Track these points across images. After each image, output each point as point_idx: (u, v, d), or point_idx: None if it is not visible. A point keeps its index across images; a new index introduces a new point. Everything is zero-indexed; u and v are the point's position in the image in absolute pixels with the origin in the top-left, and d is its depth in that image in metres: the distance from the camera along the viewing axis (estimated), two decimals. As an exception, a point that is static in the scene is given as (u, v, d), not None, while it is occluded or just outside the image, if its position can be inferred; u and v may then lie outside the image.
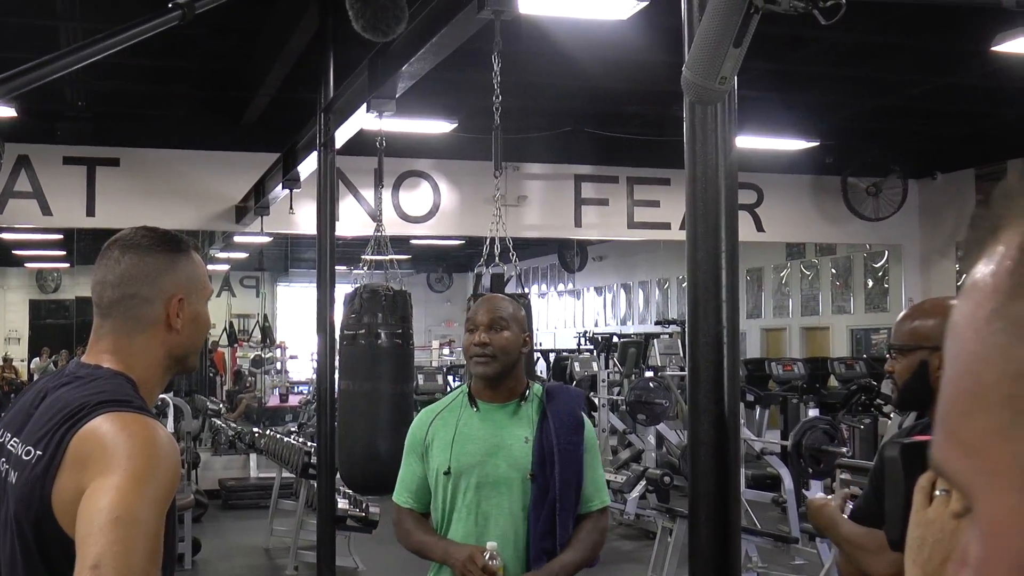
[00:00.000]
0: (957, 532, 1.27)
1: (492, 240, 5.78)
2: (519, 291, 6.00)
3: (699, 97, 2.68)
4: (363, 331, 7.16)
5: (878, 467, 2.82)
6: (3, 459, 2.06)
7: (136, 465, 1.86)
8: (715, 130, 3.43)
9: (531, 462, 3.44)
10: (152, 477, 1.87)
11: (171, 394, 14.69)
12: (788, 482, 9.38)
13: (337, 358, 7.94)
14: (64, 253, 21.10)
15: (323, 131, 8.85)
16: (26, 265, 25.44)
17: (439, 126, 11.29)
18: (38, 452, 1.95)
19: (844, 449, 8.47)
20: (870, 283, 17.16)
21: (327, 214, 9.24)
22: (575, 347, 21.14)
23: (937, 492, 1.36)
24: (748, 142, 11.97)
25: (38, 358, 24.62)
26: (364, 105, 7.50)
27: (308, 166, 9.86)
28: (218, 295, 24.76)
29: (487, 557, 3.28)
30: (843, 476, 8.11)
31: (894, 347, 2.86)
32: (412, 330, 7.53)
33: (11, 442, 2.06)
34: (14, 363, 24.30)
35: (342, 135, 8.64)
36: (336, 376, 9.28)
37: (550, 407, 3.52)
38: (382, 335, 7.12)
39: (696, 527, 3.74)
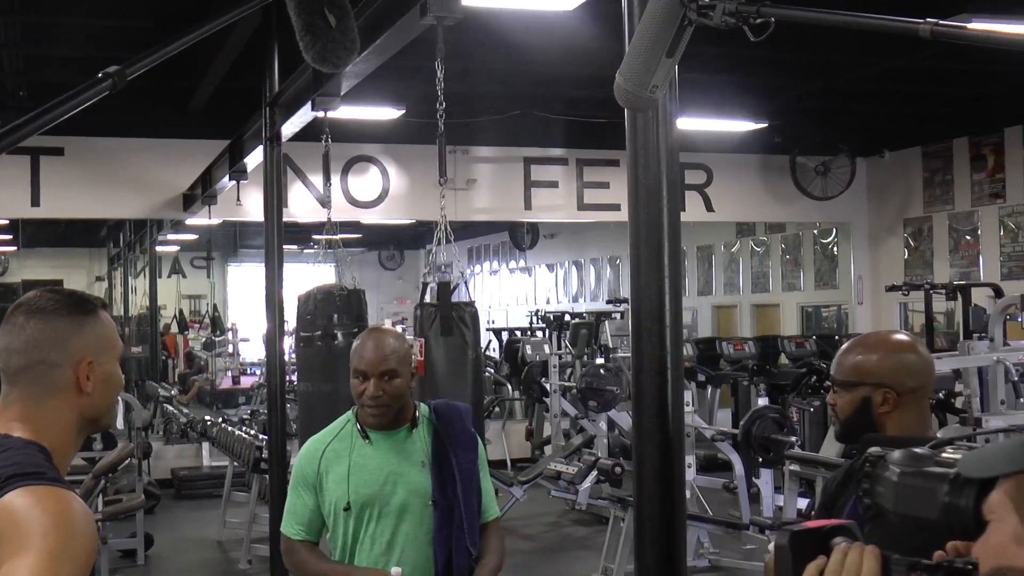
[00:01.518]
0: None
1: (436, 245, 5.74)
2: (467, 299, 5.97)
3: (630, 104, 2.69)
4: (319, 332, 7.13)
5: (829, 488, 2.83)
6: None
7: (51, 544, 1.82)
8: (655, 113, 3.42)
9: (431, 487, 3.42)
10: (67, 555, 1.84)
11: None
12: (739, 468, 9.46)
13: (293, 358, 7.92)
14: (11, 237, 20.82)
15: (268, 125, 8.78)
16: (-29, 247, 25.09)
17: (387, 112, 11.22)
18: None
19: (793, 438, 8.53)
20: (820, 260, 17.26)
21: (274, 205, 9.18)
22: (527, 325, 21.19)
23: None
24: (697, 124, 11.99)
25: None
26: (309, 103, 7.46)
27: (255, 158, 9.78)
28: (168, 276, 24.55)
29: None
30: (792, 467, 8.21)
31: (836, 382, 2.85)
32: (368, 328, 7.50)
33: None
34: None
35: (288, 130, 8.58)
36: (290, 374, 9.28)
37: (443, 428, 3.51)
38: (338, 336, 7.10)
39: (641, 515, 3.76)
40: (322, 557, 3.50)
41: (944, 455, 1.49)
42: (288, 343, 9.79)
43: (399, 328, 25.72)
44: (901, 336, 2.93)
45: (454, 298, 5.73)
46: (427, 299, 5.70)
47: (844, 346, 2.93)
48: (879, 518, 1.57)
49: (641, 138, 3.45)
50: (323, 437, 3.58)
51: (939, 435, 7.38)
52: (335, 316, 7.12)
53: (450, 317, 5.58)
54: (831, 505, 2.70)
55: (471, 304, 5.77)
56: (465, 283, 6.23)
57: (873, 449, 1.59)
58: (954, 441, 1.58)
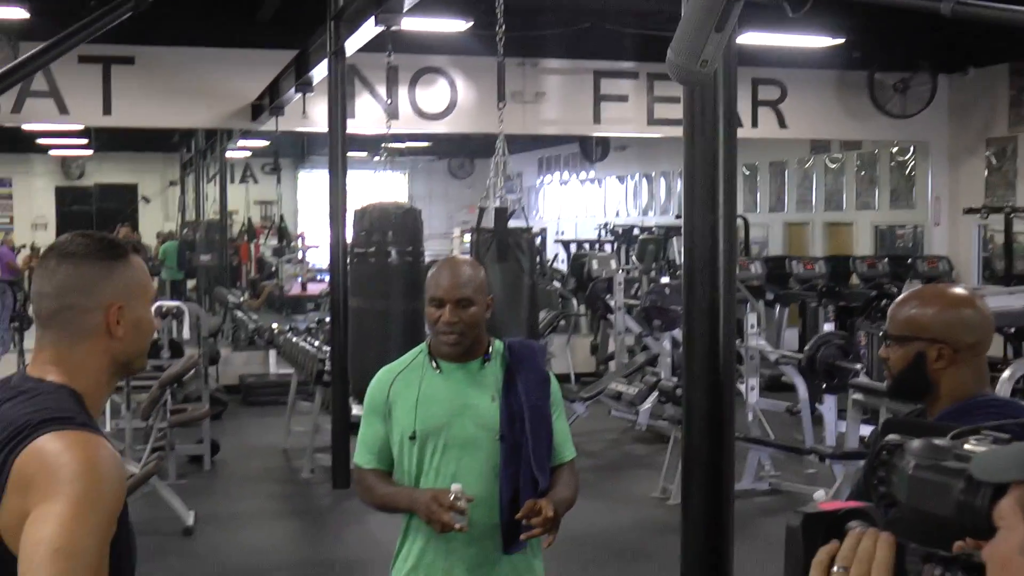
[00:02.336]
0: None
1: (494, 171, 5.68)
2: (523, 224, 5.91)
3: (682, 78, 2.64)
4: (373, 249, 7.13)
5: (873, 455, 2.75)
6: None
7: (78, 490, 1.84)
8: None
9: (499, 422, 3.40)
10: (94, 502, 1.86)
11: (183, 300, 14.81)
12: (802, 392, 9.37)
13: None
14: (86, 141, 21.04)
15: (333, 39, 8.74)
16: (50, 152, 25.40)
17: (454, 24, 11.07)
18: None
19: (859, 366, 8.42)
20: (896, 179, 16.93)
21: (338, 120, 9.19)
22: (595, 238, 21.11)
23: (835, 569, 1.34)
24: (772, 39, 11.71)
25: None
26: (372, 18, 7.39)
27: (320, 71, 9.75)
28: (240, 182, 24.69)
29: (452, 497, 3.25)
30: (855, 396, 8.11)
31: (889, 335, 2.76)
32: (423, 247, 7.49)
33: None
34: (41, 252, 24.42)
35: (352, 45, 8.53)
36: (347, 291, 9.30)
37: (515, 365, 3.47)
38: (392, 253, 7.09)
39: (689, 461, 3.73)
40: (389, 481, 3.51)
41: (966, 447, 1.42)
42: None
43: (468, 236, 25.80)
44: (959, 290, 2.83)
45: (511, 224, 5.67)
46: (483, 224, 5.64)
47: (899, 298, 2.83)
48: (893, 506, 1.51)
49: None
50: (395, 366, 3.56)
51: (1008, 373, 7.20)
52: (390, 233, 7.10)
53: (506, 243, 5.53)
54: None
55: (528, 230, 5.70)
56: (523, 208, 6.15)
57: (891, 437, 1.53)
58: (980, 430, 1.50)
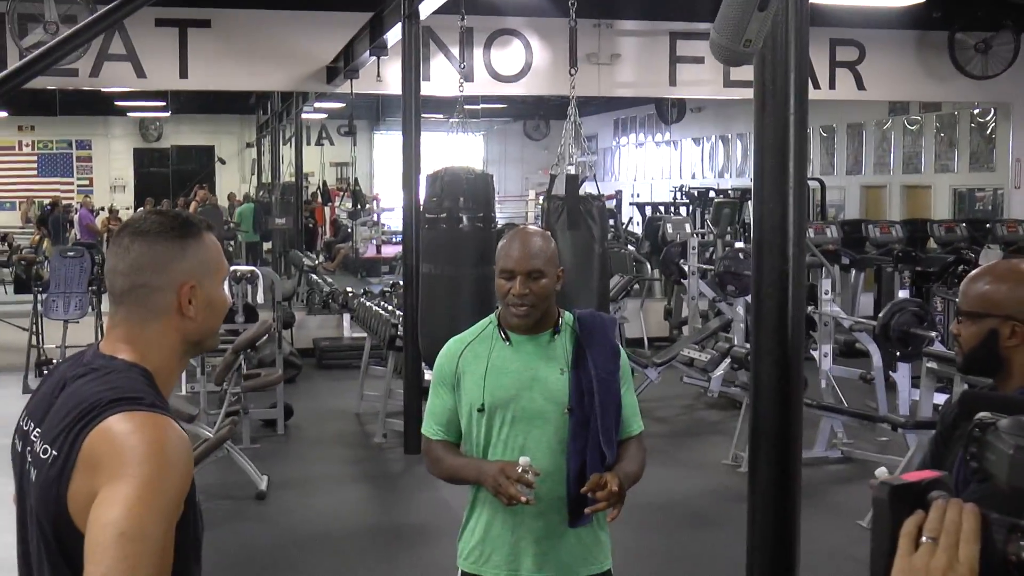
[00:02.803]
0: None
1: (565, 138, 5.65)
2: (596, 192, 5.88)
3: (726, 59, 2.61)
4: (444, 215, 7.11)
5: (940, 431, 2.71)
6: (28, 449, 2.08)
7: (145, 473, 1.86)
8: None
9: (568, 395, 3.39)
10: (161, 485, 1.87)
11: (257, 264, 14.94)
12: (876, 360, 9.27)
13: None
14: (164, 104, 21.27)
15: (407, 2, 8.74)
16: (128, 114, 25.74)
17: (530, -14, 11.05)
18: (53, 452, 1.96)
19: (933, 334, 8.30)
20: (976, 141, 16.61)
21: (412, 84, 9.20)
22: (670, 201, 20.98)
23: (924, 539, 1.35)
24: (850, -1, 11.50)
25: (142, 209, 24.98)
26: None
27: (394, 35, 9.76)
28: (316, 144, 24.83)
29: (520, 471, 3.25)
30: (929, 365, 8.00)
31: (962, 311, 2.70)
32: (494, 212, 7.47)
33: (34, 432, 2.07)
34: (119, 214, 24.77)
35: (426, 8, 8.52)
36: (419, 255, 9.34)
37: (585, 339, 3.44)
38: (464, 219, 7.07)
39: (759, 396, 3.72)
40: (457, 453, 3.51)
41: None
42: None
43: (544, 199, 25.82)
44: (1034, 266, 2.77)
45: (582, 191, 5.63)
46: (554, 191, 5.60)
47: (972, 274, 2.77)
48: (986, 482, 1.53)
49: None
50: (464, 337, 3.55)
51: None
52: (461, 200, 7.07)
53: (577, 210, 5.50)
54: (943, 452, 2.59)
55: (599, 198, 5.66)
56: (594, 177, 6.11)
57: (983, 414, 1.54)
58: None
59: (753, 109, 3.57)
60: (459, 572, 3.53)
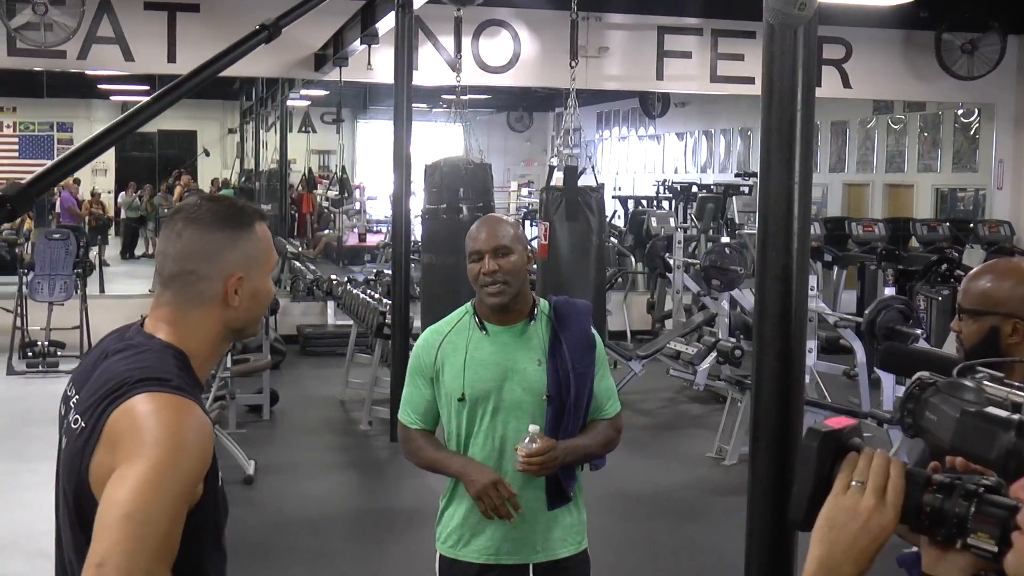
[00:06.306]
0: (865, 523, 1.42)
1: (563, 129, 5.67)
2: (594, 182, 5.90)
3: (781, 21, 2.67)
4: (444, 206, 7.15)
5: None
6: (67, 414, 2.11)
7: (159, 455, 1.88)
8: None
9: (546, 384, 3.43)
10: (173, 469, 1.90)
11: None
12: (860, 355, 9.34)
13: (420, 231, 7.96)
14: (148, 88, 21.14)
15: (401, -9, 8.74)
16: (111, 98, 25.58)
17: (520, -22, 11.06)
18: (82, 424, 2.00)
19: (919, 331, 8.37)
20: (959, 141, 16.71)
21: (404, 73, 9.19)
22: (653, 195, 21.02)
23: (853, 483, 1.45)
24: (838, -3, 11.55)
25: (124, 193, 24.89)
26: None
27: (386, 23, 9.75)
28: (299, 131, 24.75)
29: (527, 440, 3.30)
30: (915, 361, 8.06)
31: (963, 309, 2.74)
32: (493, 202, 7.51)
33: (73, 399, 2.11)
34: (101, 197, 24.64)
35: (419, -3, 8.52)
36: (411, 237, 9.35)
37: (561, 329, 3.48)
38: (463, 209, 7.11)
39: (760, 388, 3.75)
40: (438, 445, 3.53)
41: (991, 390, 1.59)
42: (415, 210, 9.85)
43: (525, 191, 25.77)
44: (1034, 264, 2.81)
45: (580, 182, 5.65)
46: (552, 183, 5.63)
47: (973, 271, 2.81)
48: (918, 436, 1.65)
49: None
50: (441, 327, 3.57)
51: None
52: (461, 190, 7.12)
53: (576, 202, 5.53)
54: None
55: (597, 189, 5.69)
56: (593, 168, 6.14)
57: (923, 373, 1.64)
58: (976, 368, 1.69)
59: (760, 105, 3.59)
60: (438, 556, 3.56)
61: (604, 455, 3.59)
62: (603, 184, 20.68)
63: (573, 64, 5.69)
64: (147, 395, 1.96)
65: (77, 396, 2.11)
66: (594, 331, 3.59)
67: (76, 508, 2.00)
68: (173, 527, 1.89)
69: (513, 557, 3.45)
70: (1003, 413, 1.49)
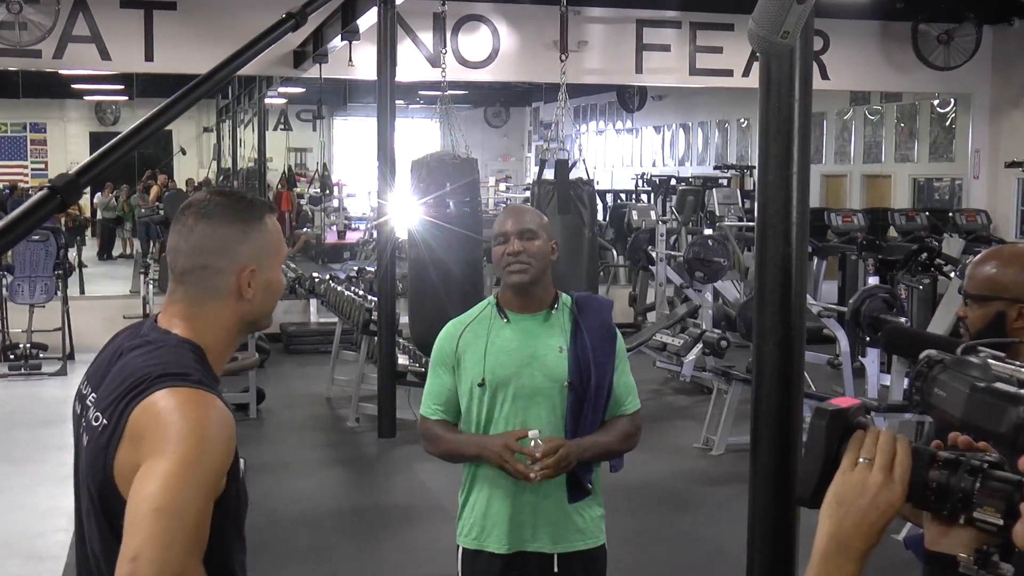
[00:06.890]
0: (874, 499, 1.45)
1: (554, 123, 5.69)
2: (584, 176, 5.92)
3: (764, 49, 2.67)
4: (431, 200, 7.16)
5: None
6: (83, 413, 2.12)
7: (185, 449, 1.90)
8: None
9: (567, 371, 3.44)
10: (199, 462, 1.91)
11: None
12: (844, 345, 9.39)
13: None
14: (123, 87, 21.07)
15: (383, -13, 8.73)
16: (85, 98, 25.47)
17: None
18: (104, 421, 2.01)
19: (902, 319, 8.43)
20: (936, 131, 16.81)
21: (387, 68, 9.18)
22: (632, 188, 21.08)
23: (861, 460, 1.48)
24: (816, -11, 11.59)
25: (100, 193, 24.75)
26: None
27: (368, 19, 9.74)
28: (275, 129, 24.68)
29: (532, 444, 3.31)
30: (902, 350, 8.11)
31: (968, 295, 2.76)
32: (480, 196, 7.52)
33: (90, 397, 2.12)
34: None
35: (402, -8, 8.51)
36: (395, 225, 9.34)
37: (582, 319, 3.50)
38: (450, 204, 7.12)
39: (761, 377, 3.77)
40: (456, 431, 3.55)
41: (996, 367, 1.67)
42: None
43: (503, 186, 25.75)
44: (1040, 250, 2.83)
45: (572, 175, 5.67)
46: (544, 176, 5.64)
47: (978, 257, 2.82)
48: (926, 412, 1.70)
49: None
50: (463, 318, 3.60)
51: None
52: (448, 184, 7.13)
53: (568, 195, 5.55)
54: None
55: (589, 183, 5.71)
56: (584, 161, 6.15)
57: (930, 352, 1.68)
58: (978, 348, 1.75)
59: (758, 97, 3.62)
60: (460, 550, 3.56)
61: (624, 452, 3.61)
62: (580, 178, 20.69)
63: (563, 58, 5.71)
64: (168, 390, 1.97)
65: (94, 394, 2.11)
66: (615, 326, 3.62)
67: (102, 504, 2.01)
68: (202, 520, 1.90)
69: (534, 545, 3.46)
70: (1012, 388, 1.53)
